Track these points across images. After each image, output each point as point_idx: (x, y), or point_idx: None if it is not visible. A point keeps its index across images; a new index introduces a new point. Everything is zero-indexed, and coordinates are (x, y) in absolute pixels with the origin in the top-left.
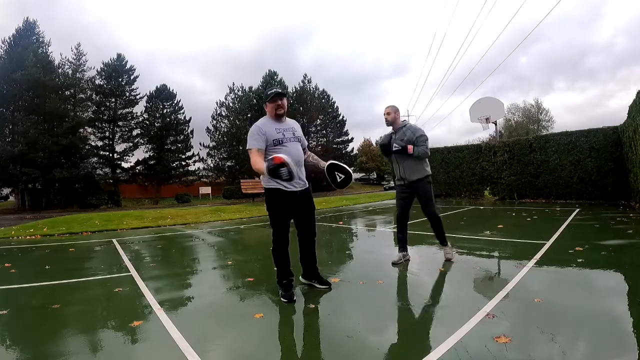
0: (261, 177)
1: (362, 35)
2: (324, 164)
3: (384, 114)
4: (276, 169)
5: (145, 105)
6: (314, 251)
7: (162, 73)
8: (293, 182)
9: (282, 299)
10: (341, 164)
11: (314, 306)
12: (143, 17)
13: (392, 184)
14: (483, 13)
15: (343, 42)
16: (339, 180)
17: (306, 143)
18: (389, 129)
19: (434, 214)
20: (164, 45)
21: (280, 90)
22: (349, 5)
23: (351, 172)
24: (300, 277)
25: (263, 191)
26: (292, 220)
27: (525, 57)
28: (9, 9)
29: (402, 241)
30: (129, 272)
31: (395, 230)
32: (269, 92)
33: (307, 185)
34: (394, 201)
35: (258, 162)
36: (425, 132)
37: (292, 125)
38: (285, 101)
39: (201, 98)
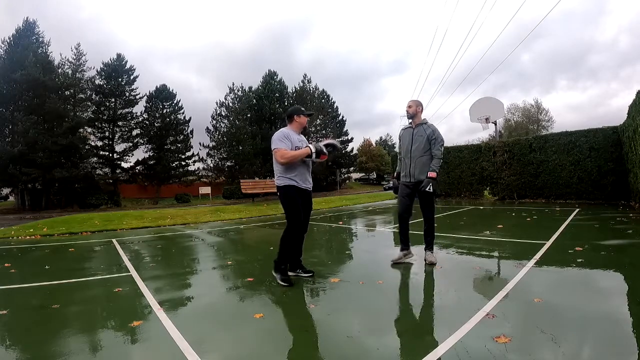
0: (275, 177)
1: (360, 31)
2: (321, 144)
3: (406, 108)
4: (326, 147)
5: (145, 105)
6: (302, 245)
7: (157, 70)
8: (305, 182)
9: (282, 283)
10: (327, 146)
11: (314, 306)
12: (137, 12)
13: (391, 183)
14: (485, 9)
15: (341, 38)
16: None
17: None
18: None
19: (432, 218)
20: (158, 42)
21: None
22: (347, 0)
23: (335, 143)
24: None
25: (264, 191)
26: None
27: (527, 54)
28: (1, 6)
29: (404, 240)
30: (129, 272)
31: (396, 230)
32: (303, 109)
33: (311, 188)
34: (394, 201)
35: (288, 153)
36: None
37: (304, 137)
38: None
39: (198, 96)
